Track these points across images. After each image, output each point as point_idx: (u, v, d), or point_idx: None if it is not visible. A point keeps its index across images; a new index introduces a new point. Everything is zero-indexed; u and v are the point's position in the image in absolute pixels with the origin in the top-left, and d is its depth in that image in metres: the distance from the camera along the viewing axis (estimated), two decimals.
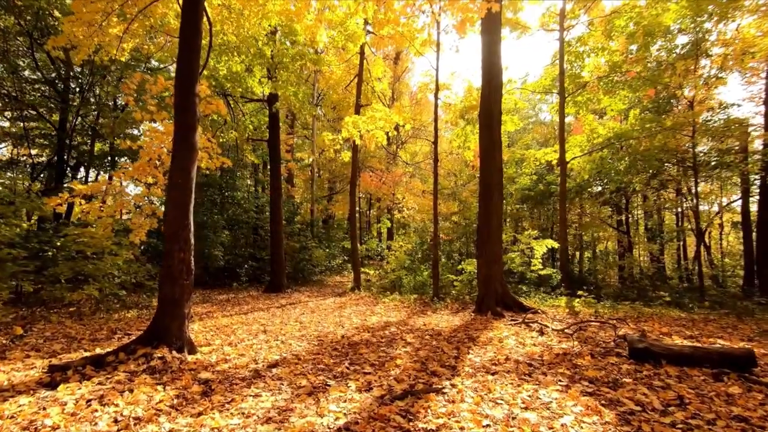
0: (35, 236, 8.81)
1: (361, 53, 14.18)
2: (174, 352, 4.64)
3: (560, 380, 4.07)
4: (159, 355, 4.47)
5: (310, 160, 23.78)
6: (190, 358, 4.77)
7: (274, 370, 4.47)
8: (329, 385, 3.97)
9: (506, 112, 16.12)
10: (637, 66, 12.69)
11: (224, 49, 11.23)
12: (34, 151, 16.88)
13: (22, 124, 14.78)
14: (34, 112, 14.24)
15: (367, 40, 14.83)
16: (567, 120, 23.65)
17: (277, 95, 13.00)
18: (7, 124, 15.74)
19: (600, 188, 17.76)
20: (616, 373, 4.31)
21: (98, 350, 5.20)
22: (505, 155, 19.89)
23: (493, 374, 4.31)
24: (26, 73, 14.19)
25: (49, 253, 8.82)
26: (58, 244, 8.56)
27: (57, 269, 7.30)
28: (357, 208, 16.49)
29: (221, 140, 13.25)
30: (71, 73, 14.32)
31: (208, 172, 16.19)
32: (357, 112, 13.73)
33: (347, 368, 4.59)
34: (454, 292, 11.69)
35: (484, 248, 9.44)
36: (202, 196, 16.57)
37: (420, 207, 20.10)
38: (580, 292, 10.22)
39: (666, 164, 14.03)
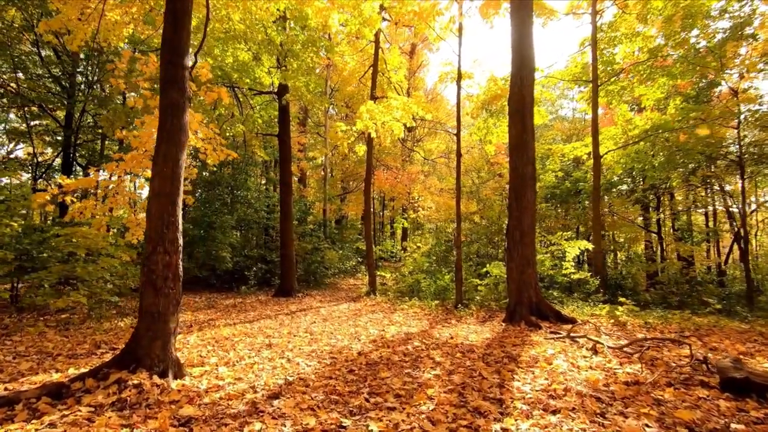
0: (27, 237, 8.14)
1: (376, 42, 13.30)
2: (155, 378, 3.79)
3: (647, 425, 3.09)
4: (135, 382, 3.63)
5: (323, 159, 23.04)
6: (174, 384, 3.92)
7: (275, 403, 3.58)
8: (344, 427, 3.07)
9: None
10: (679, 49, 11.53)
11: (230, 36, 10.47)
12: (39, 150, 16.45)
13: (25, 122, 14.31)
14: (37, 109, 13.73)
15: (383, 28, 13.96)
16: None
17: (286, 86, 12.19)
18: (13, 117, 15.32)
19: (631, 185, 16.56)
20: (716, 414, 3.30)
21: (71, 371, 4.40)
22: None
23: (554, 413, 3.35)
24: (30, 67, 13.69)
25: (45, 254, 8.15)
26: (53, 244, 7.87)
27: (41, 273, 6.56)
28: (371, 208, 15.60)
29: (228, 134, 12.50)
30: (77, 69, 13.81)
31: (215, 169, 15.54)
32: None
33: (366, 400, 3.68)
34: (478, 298, 10.69)
35: (516, 250, 8.45)
36: (212, 195, 15.89)
37: (437, 206, 19.11)
38: (621, 299, 9.13)
39: (709, 158, 12.79)
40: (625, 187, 16.76)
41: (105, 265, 7.82)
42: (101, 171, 8.14)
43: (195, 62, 6.38)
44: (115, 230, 8.51)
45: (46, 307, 7.89)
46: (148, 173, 7.07)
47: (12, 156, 16.48)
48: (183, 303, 10.85)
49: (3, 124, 15.07)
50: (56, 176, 14.89)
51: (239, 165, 16.16)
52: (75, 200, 7.01)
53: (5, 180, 13.63)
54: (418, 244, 14.36)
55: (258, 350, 5.56)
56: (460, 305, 9.87)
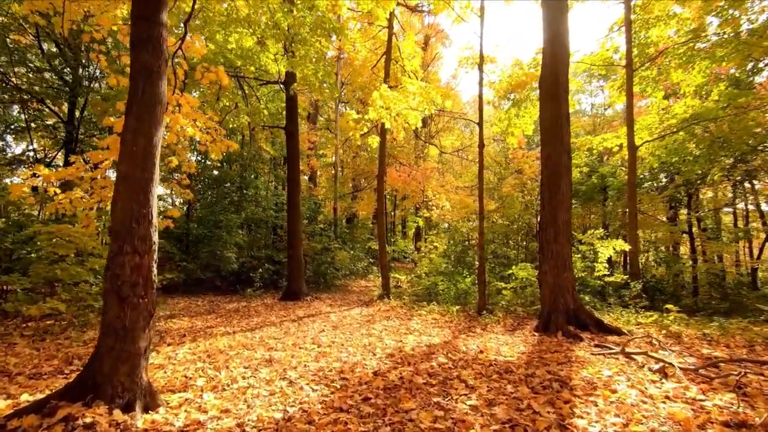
0: (9, 235, 7.44)
1: (390, 27, 12.42)
2: (116, 413, 2.96)
3: None
4: (88, 420, 2.79)
5: (333, 158, 22.23)
6: (141, 421, 3.07)
7: None
8: None
9: None
10: (725, 27, 10.39)
11: (232, 19, 9.68)
12: (39, 145, 15.94)
13: (25, 118, 13.76)
14: (37, 104, 13.16)
15: (396, 15, 13.09)
16: (620, 105, 21.36)
17: (294, 75, 11.37)
18: (15, 110, 14.78)
19: (664, 181, 15.40)
20: None
21: (24, 397, 3.59)
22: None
23: None
24: (31, 60, 13.11)
25: (33, 255, 7.44)
26: (38, 243, 7.15)
27: (13, 276, 5.82)
28: (384, 206, 14.65)
29: (231, 126, 11.73)
30: (81, 62, 13.19)
31: (219, 165, 14.82)
32: None
33: None
34: (503, 303, 9.73)
35: (550, 250, 7.48)
36: (218, 193, 15.17)
37: (453, 204, 18.13)
38: (668, 306, 8.08)
39: (754, 150, 11.60)
40: (652, 183, 15.59)
41: (93, 266, 7.07)
42: (87, 161, 7.39)
43: (185, 34, 5.58)
44: (104, 226, 7.77)
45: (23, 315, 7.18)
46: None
47: (20, 154, 15.99)
48: (183, 307, 10.10)
49: (12, 124, 14.53)
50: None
51: (246, 162, 15.43)
52: (58, 191, 6.28)
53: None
54: (435, 244, 13.43)
55: (255, 368, 4.70)
56: (484, 311, 8.92)
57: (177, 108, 6.27)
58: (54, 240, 6.25)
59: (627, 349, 5.31)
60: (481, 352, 5.72)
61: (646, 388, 3.95)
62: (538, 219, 8.04)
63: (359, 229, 21.52)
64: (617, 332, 6.85)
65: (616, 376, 4.36)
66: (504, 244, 16.64)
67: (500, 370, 4.71)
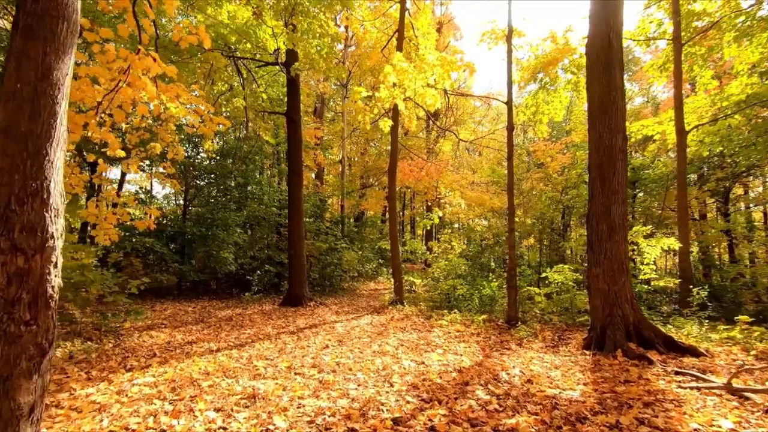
0: None
1: (402, 2, 11.13)
2: None
3: None
4: None
5: (339, 154, 21.02)
6: None
7: None
8: None
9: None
10: None
11: None
12: None
13: None
14: None
15: None
16: (655, 92, 19.76)
17: (295, 54, 10.14)
18: None
19: (710, 172, 13.88)
20: None
21: None
22: (578, 136, 16.31)
23: None
24: None
25: None
26: None
27: None
28: (396, 203, 13.29)
29: (225, 110, 10.52)
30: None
31: (216, 157, 13.63)
32: None
33: None
34: (536, 311, 8.39)
35: (602, 250, 6.13)
36: (216, 189, 13.98)
37: (469, 201, 16.76)
38: (742, 317, 6.67)
39: None
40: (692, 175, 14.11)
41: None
42: None
43: None
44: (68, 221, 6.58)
45: None
46: (94, 134, 5.13)
47: None
48: (169, 315, 8.90)
49: None
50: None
51: (245, 154, 14.22)
52: None
53: None
54: (452, 243, 12.11)
55: (230, 411, 3.43)
56: (515, 322, 7.59)
57: (146, 74, 5.04)
58: None
59: (735, 384, 3.94)
60: (530, 381, 4.40)
61: None
62: (587, 211, 6.69)
63: (368, 228, 20.24)
64: (692, 352, 5.48)
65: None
66: (527, 245, 15.26)
67: (568, 415, 3.38)
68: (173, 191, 15.60)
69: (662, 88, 19.50)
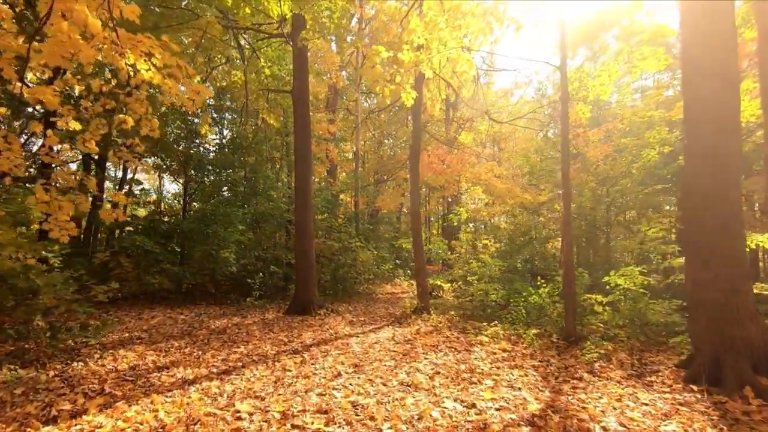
0: None
1: None
2: None
3: None
4: None
5: (353, 147, 19.59)
6: None
7: None
8: None
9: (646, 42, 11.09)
10: None
11: None
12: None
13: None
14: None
15: None
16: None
17: (302, 22, 8.72)
18: None
19: None
20: None
21: None
22: (621, 123, 14.50)
23: None
24: None
25: None
26: None
27: None
28: (419, 197, 11.64)
29: (222, 84, 9.12)
30: None
31: (216, 148, 12.30)
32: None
33: None
34: (598, 324, 6.75)
35: (711, 247, 4.50)
36: (217, 181, 12.63)
37: (498, 194, 15.07)
38: None
39: None
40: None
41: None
42: None
43: None
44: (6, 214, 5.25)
45: None
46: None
47: None
48: (155, 324, 7.52)
49: None
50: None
51: (250, 144, 12.80)
52: None
53: None
54: (484, 242, 10.52)
55: None
56: (580, 340, 5.99)
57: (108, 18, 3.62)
58: None
59: None
60: None
61: None
62: (681, 194, 5.07)
63: (384, 225, 18.72)
64: None
65: None
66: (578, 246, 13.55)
67: None
68: (179, 188, 14.33)
69: None
